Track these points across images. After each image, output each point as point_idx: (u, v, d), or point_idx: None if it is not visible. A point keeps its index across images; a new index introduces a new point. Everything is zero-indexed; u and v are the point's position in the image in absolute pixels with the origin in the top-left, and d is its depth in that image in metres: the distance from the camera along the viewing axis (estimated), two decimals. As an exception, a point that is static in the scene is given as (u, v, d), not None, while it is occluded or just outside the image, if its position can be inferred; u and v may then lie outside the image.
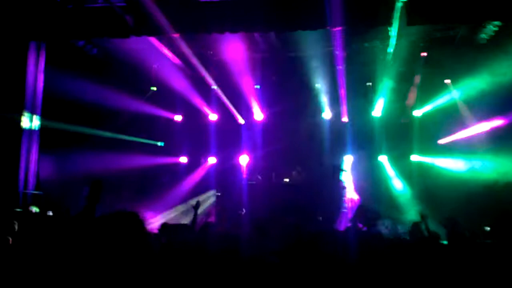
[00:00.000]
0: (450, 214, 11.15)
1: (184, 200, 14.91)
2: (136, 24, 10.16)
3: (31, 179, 11.13)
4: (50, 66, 11.57)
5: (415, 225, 8.05)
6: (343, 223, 12.29)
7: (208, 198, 15.12)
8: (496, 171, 12.29)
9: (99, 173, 12.71)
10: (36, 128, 11.36)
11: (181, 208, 14.44)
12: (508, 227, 4.73)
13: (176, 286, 4.23)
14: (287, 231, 6.47)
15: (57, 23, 10.39)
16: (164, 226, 8.33)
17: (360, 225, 9.22)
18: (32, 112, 11.18)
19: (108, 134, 13.79)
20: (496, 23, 11.21)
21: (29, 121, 11.12)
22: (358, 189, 14.52)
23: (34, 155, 11.26)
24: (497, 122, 12.27)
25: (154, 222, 11.30)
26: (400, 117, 14.65)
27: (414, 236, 7.91)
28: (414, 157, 14.46)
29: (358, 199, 14.30)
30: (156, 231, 8.30)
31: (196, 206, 7.71)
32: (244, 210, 13.28)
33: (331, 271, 4.56)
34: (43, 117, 11.48)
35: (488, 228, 11.30)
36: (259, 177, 14.58)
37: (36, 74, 11.21)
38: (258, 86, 15.41)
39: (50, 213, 9.47)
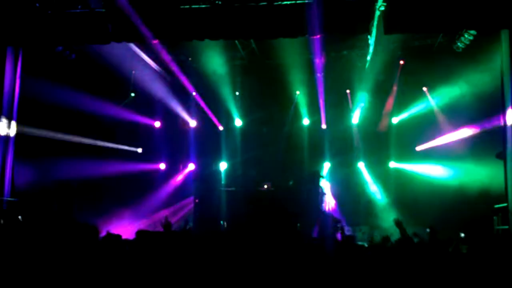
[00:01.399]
0: (427, 221, 11.36)
1: (163, 206, 14.88)
2: (116, 30, 10.08)
3: (6, 186, 10.94)
4: (28, 72, 11.41)
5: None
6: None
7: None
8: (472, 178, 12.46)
9: (77, 179, 12.64)
10: (12, 134, 11.17)
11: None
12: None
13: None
14: None
15: (36, 29, 10.24)
16: (140, 232, 8.26)
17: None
18: (8, 118, 11.00)
19: (86, 140, 13.66)
20: (472, 32, 11.40)
21: (5, 127, 10.94)
22: (336, 196, 14.61)
23: (9, 162, 11.07)
24: (473, 129, 12.45)
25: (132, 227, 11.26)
26: (378, 125, 14.75)
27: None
28: (392, 164, 14.60)
29: (335, 205, 14.40)
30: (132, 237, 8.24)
31: None
32: (225, 223, 13.26)
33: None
34: (19, 123, 11.31)
35: (463, 234, 11.51)
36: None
37: (13, 80, 11.03)
38: (237, 93, 15.42)
39: (20, 218, 9.35)
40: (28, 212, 10.00)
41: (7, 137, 11.06)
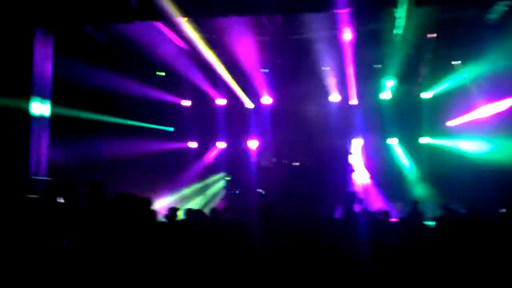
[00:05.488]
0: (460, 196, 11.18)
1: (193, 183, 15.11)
2: (140, 9, 10.13)
3: (43, 166, 11.19)
4: (61, 53, 11.58)
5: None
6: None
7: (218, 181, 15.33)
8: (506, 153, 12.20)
9: (110, 158, 12.90)
10: (47, 115, 11.39)
11: (186, 191, 14.64)
12: None
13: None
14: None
15: (62, 9, 10.36)
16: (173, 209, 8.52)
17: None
18: (42, 98, 11.20)
19: (117, 120, 13.89)
20: (506, 3, 11.03)
21: (39, 108, 11.15)
22: (367, 172, 14.52)
23: (45, 142, 11.31)
24: (506, 104, 12.13)
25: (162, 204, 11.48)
26: (409, 99, 14.51)
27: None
28: (423, 139, 14.41)
29: (368, 182, 14.31)
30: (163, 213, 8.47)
31: None
32: (262, 191, 13.36)
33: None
34: (54, 104, 11.51)
35: (504, 210, 11.28)
36: (273, 160, 14.57)
37: (44, 61, 11.22)
38: (266, 70, 15.35)
39: (61, 200, 9.59)
40: (68, 193, 10.26)
41: (41, 118, 11.27)
